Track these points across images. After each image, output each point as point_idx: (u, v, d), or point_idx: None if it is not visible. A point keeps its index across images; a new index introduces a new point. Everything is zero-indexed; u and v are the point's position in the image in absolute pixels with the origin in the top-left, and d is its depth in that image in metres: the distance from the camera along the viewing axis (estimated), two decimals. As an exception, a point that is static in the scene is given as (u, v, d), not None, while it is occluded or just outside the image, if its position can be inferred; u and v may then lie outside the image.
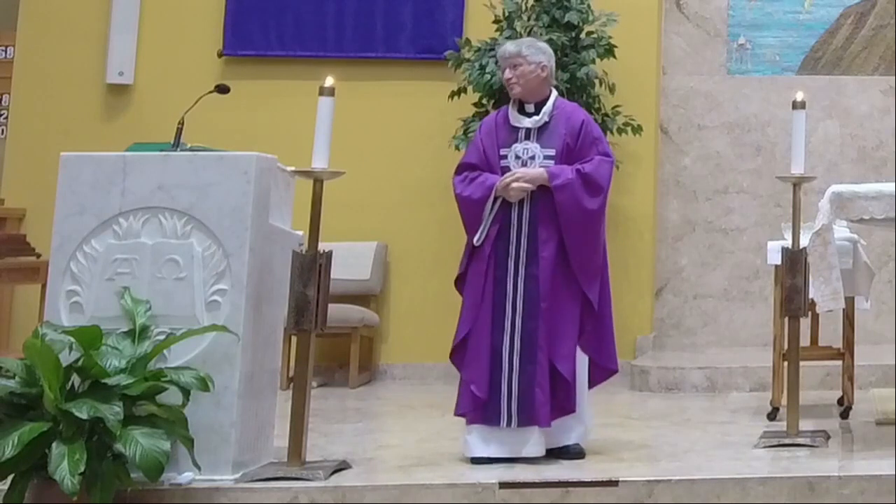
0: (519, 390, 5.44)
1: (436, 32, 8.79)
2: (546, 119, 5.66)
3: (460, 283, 5.63)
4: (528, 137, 5.64)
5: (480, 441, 5.46)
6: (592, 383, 5.71)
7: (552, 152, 5.60)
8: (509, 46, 5.80)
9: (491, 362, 5.46)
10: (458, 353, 5.57)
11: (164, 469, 4.74)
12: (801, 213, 5.97)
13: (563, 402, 5.49)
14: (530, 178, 5.54)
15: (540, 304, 5.48)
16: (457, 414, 5.54)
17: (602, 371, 5.71)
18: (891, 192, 5.95)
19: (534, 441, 5.46)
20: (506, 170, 5.57)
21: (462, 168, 5.68)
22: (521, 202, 5.55)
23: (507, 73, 5.71)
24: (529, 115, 5.68)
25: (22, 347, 4.85)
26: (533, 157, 5.59)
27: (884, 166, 8.99)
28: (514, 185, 5.51)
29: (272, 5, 8.82)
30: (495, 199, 5.54)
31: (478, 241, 5.54)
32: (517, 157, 5.60)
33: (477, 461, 5.42)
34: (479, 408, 5.45)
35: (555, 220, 5.53)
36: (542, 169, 5.56)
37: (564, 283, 5.52)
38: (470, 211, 5.58)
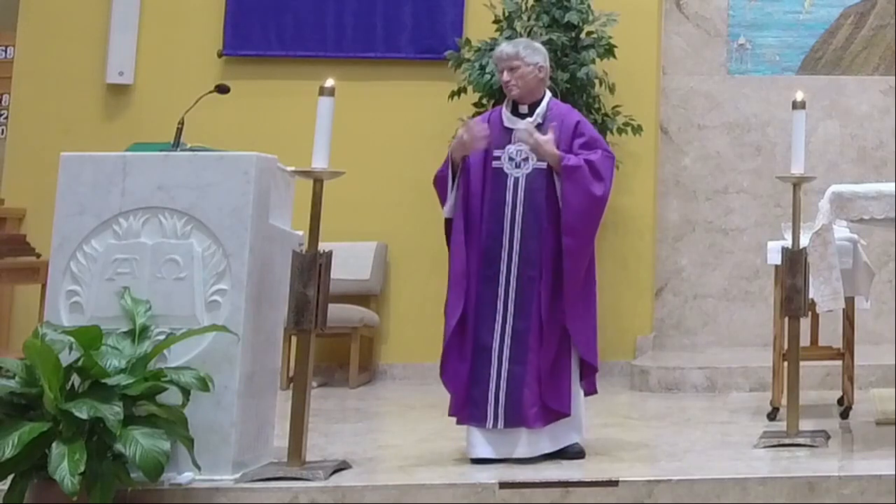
0: (507, 391, 5.41)
1: (436, 32, 8.79)
2: (539, 120, 5.62)
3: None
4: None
5: (478, 441, 5.44)
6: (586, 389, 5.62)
7: None
8: (506, 48, 5.70)
9: (477, 361, 5.42)
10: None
11: (164, 469, 4.74)
12: (801, 213, 5.97)
13: (556, 406, 5.44)
14: (545, 150, 5.46)
15: (533, 305, 5.44)
16: (450, 414, 5.52)
17: (588, 368, 5.59)
18: (891, 192, 5.95)
19: (524, 442, 5.43)
20: (498, 171, 5.52)
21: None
22: (514, 197, 5.49)
23: (506, 76, 5.61)
24: (523, 117, 5.63)
25: (22, 347, 4.85)
26: (526, 159, 5.54)
27: (884, 166, 8.99)
28: (467, 136, 5.45)
29: (272, 5, 8.82)
30: (454, 170, 5.49)
31: (448, 213, 5.50)
32: (510, 159, 5.55)
33: (477, 461, 5.40)
34: (466, 407, 5.42)
35: (551, 218, 5.47)
36: (557, 151, 5.50)
37: (558, 284, 5.47)
38: (441, 189, 5.56)
